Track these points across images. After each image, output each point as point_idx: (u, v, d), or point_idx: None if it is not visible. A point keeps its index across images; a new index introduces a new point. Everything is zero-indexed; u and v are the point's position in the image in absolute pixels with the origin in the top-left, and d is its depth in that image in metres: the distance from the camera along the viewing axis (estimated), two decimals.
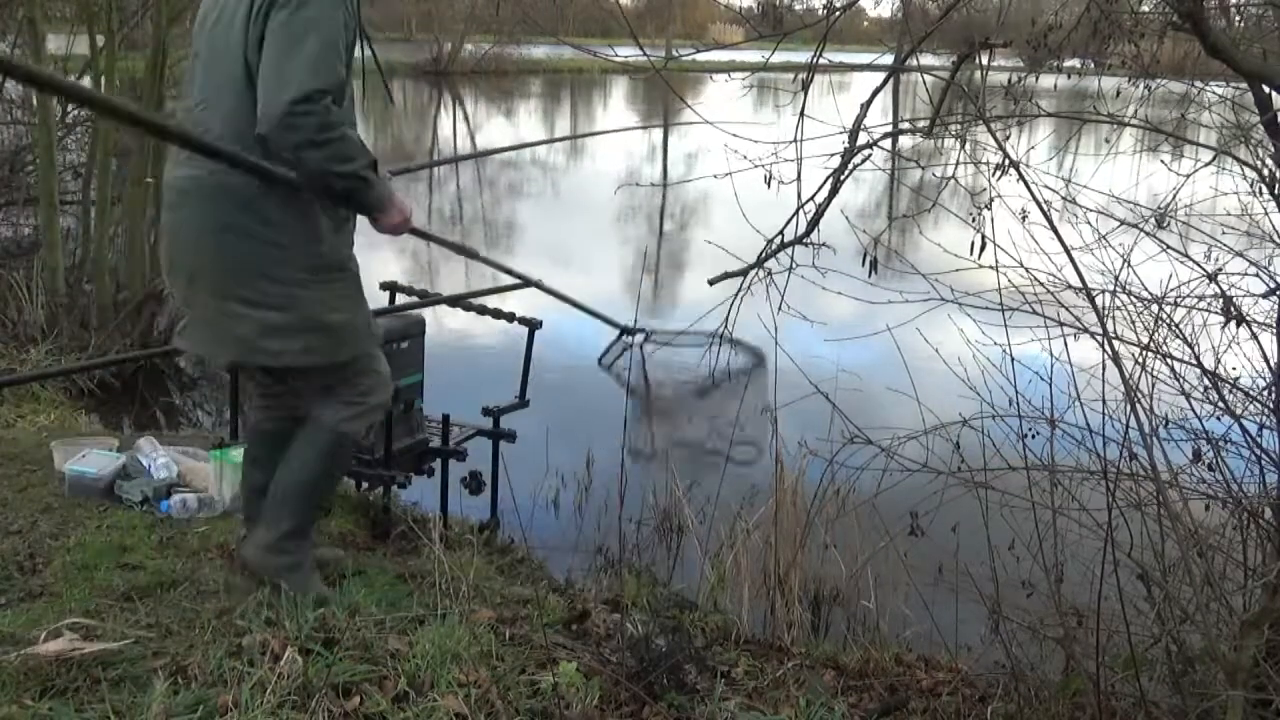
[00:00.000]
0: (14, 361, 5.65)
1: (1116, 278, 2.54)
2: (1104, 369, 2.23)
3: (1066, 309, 2.45)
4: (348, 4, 2.40)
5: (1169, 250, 2.58)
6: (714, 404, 4.16)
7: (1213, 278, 2.49)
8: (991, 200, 2.75)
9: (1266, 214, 2.62)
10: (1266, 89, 2.65)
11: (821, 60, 3.35)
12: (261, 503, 2.75)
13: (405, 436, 3.82)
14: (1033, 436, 2.47)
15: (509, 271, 4.11)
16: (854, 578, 3.64)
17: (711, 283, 3.48)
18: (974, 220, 2.80)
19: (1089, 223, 2.71)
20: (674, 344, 4.30)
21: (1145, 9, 3.47)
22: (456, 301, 4.50)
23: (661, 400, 4.10)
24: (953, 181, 3.12)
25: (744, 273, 3.41)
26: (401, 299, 4.40)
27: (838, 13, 3.39)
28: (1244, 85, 2.75)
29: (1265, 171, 2.52)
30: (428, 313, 4.11)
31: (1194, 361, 2.47)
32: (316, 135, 2.29)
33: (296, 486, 2.64)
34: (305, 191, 2.42)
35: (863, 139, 3.19)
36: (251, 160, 2.34)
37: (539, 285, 4.19)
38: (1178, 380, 2.51)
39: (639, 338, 4.36)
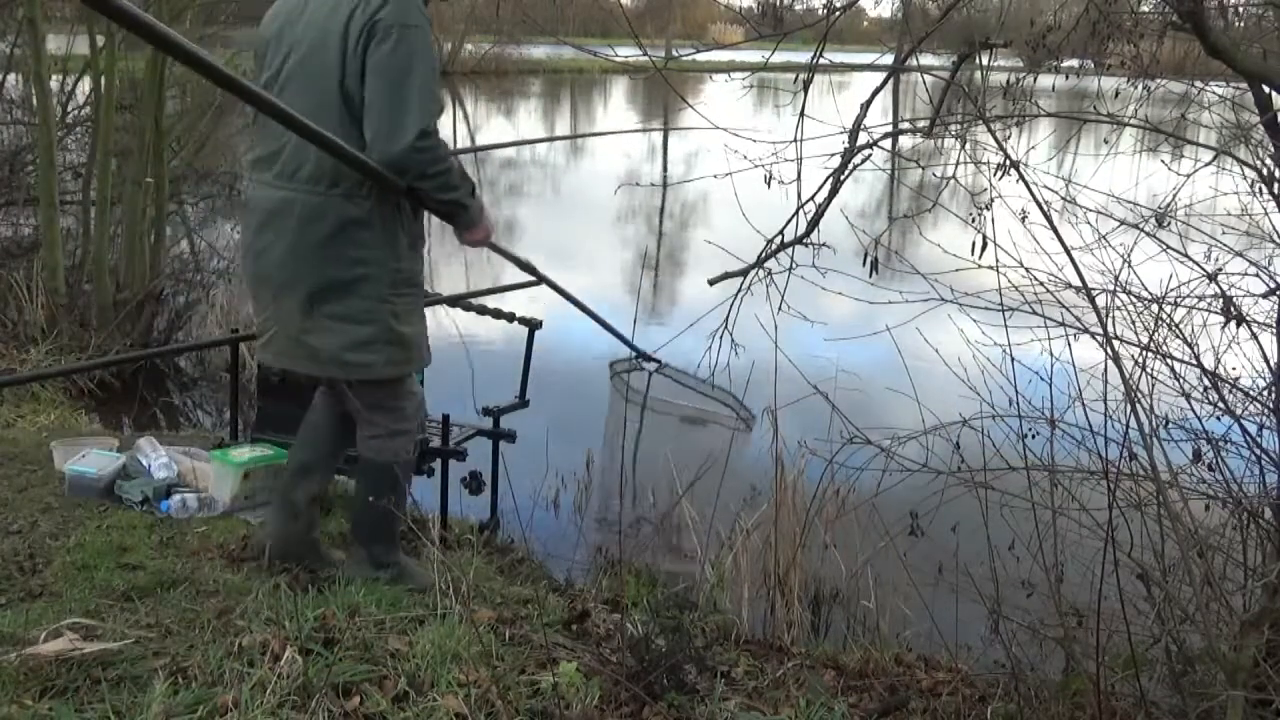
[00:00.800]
0: (14, 361, 5.65)
1: (1116, 278, 2.54)
2: (1104, 369, 2.23)
3: (1066, 309, 2.45)
4: (430, 27, 2.53)
5: (1169, 250, 2.58)
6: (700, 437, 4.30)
7: (1213, 278, 2.48)
8: (991, 200, 2.75)
9: (1266, 214, 2.62)
10: (1266, 89, 2.65)
11: (821, 60, 3.34)
12: (300, 485, 2.87)
13: None
14: (1033, 436, 2.47)
15: (568, 296, 4.19)
16: (854, 578, 3.64)
17: (711, 283, 3.48)
18: (974, 220, 2.80)
19: (1089, 223, 2.70)
20: (682, 382, 4.46)
21: (1145, 9, 3.47)
22: (456, 301, 4.50)
23: (653, 424, 4.31)
24: (953, 181, 3.12)
25: (744, 273, 3.40)
26: None
27: (838, 13, 3.39)
28: (1244, 85, 2.75)
29: (1265, 171, 2.52)
30: (428, 312, 4.10)
31: (1194, 361, 2.47)
32: (429, 169, 2.50)
33: (375, 518, 2.80)
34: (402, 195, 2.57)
35: (863, 139, 3.18)
36: (355, 153, 2.44)
37: (585, 309, 4.27)
38: (1178, 380, 2.50)
39: (652, 366, 4.53)
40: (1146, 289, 2.57)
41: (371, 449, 2.80)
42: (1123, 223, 2.66)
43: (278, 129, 2.50)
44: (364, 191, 2.53)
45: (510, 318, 4.29)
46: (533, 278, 3.99)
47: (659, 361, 4.46)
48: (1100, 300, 2.30)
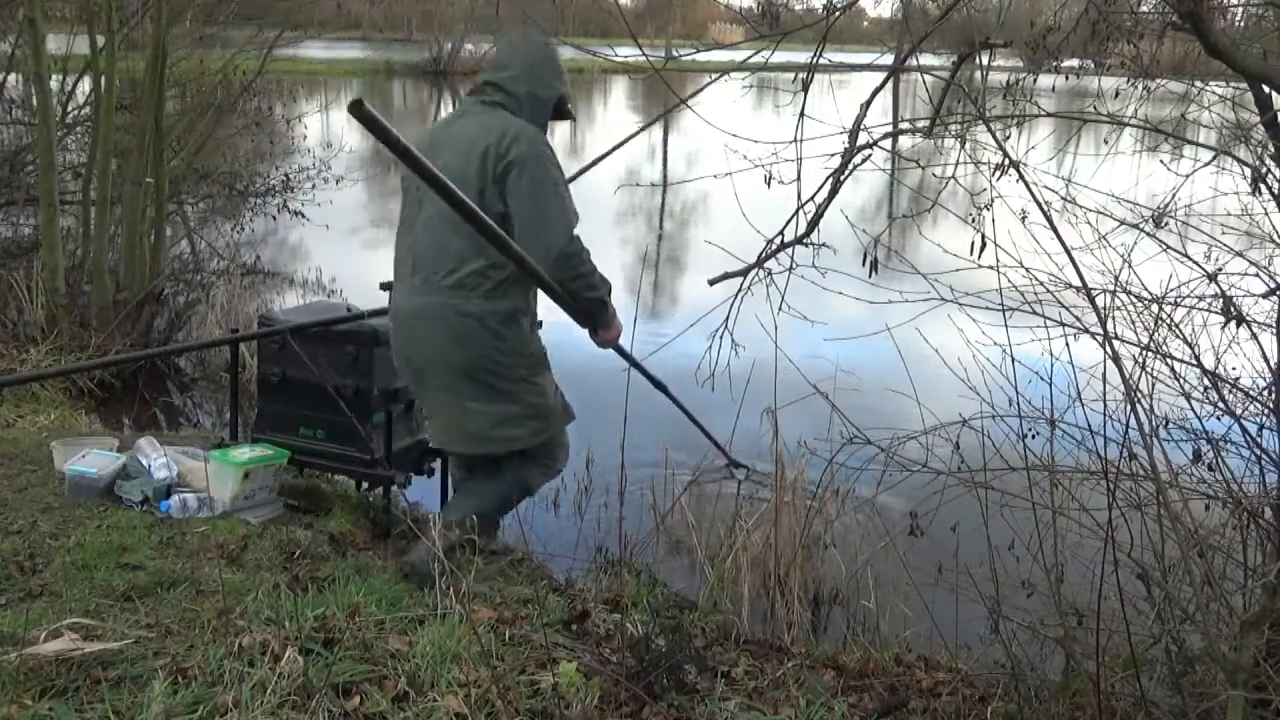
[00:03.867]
0: (14, 361, 5.65)
1: (1116, 278, 2.53)
2: (1104, 369, 2.23)
3: (1066, 309, 2.45)
4: (551, 148, 3.01)
5: (1169, 250, 2.58)
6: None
7: (1213, 278, 2.48)
8: (991, 200, 2.75)
9: (1266, 214, 2.62)
10: (1266, 89, 2.65)
11: (821, 60, 3.34)
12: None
13: (405, 436, 3.83)
14: (1033, 436, 2.47)
15: (684, 409, 4.48)
16: (854, 578, 3.64)
17: (711, 283, 3.48)
18: (974, 220, 2.80)
19: (1089, 223, 2.70)
20: (767, 485, 4.61)
21: (1145, 9, 3.47)
22: None
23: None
24: (953, 181, 3.12)
25: (744, 273, 3.40)
26: None
27: (838, 13, 3.38)
28: (1244, 85, 2.75)
29: (1262, 170, 2.52)
30: None
31: (1194, 361, 2.47)
32: (578, 269, 3.03)
33: (473, 513, 3.15)
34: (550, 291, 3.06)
35: (863, 139, 3.18)
36: (520, 251, 2.87)
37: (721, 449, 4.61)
38: (1178, 380, 2.50)
39: (742, 473, 4.75)
40: (1146, 289, 2.57)
41: (519, 465, 3.23)
42: (1123, 223, 2.66)
43: (413, 242, 3.05)
44: (499, 292, 2.99)
45: None
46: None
47: (747, 468, 4.70)
48: (1100, 300, 2.30)
